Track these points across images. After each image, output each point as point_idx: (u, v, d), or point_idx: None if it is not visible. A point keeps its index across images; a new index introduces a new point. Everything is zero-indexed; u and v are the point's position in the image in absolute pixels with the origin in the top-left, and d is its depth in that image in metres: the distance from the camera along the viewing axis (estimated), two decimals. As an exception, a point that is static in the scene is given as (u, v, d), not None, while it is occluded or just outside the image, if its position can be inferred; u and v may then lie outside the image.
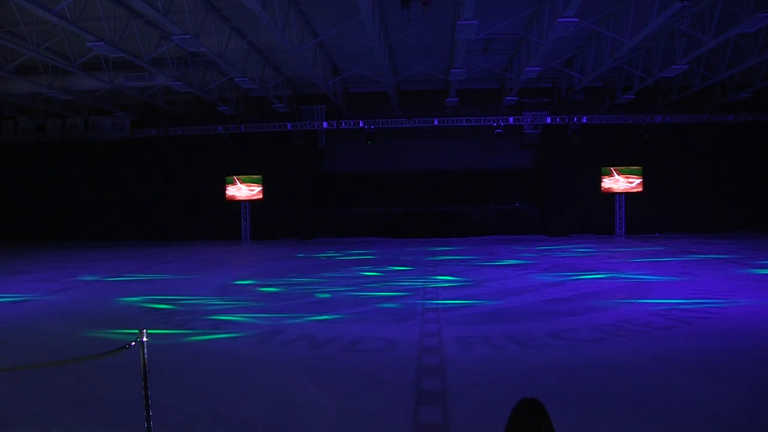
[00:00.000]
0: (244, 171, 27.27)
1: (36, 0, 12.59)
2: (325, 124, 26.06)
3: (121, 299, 13.39)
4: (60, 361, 6.44)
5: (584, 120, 24.90)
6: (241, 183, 27.36)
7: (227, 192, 27.49)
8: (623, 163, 25.85)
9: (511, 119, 25.12)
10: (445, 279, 15.43)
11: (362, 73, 21.75)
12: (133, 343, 5.38)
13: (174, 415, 6.25)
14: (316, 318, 11.20)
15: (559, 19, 13.18)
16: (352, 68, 21.65)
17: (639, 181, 25.77)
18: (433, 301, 12.50)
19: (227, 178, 27.39)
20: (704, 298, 12.09)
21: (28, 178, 29.05)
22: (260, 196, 27.20)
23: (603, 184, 25.96)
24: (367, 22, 14.06)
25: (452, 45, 17.46)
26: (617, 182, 25.96)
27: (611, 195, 26.13)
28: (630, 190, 25.89)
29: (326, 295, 13.49)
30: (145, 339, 5.33)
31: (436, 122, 25.10)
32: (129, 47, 16.75)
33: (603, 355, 8.44)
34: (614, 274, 15.66)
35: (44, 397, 6.96)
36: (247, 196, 27.41)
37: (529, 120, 25.49)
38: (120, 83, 20.84)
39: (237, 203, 27.56)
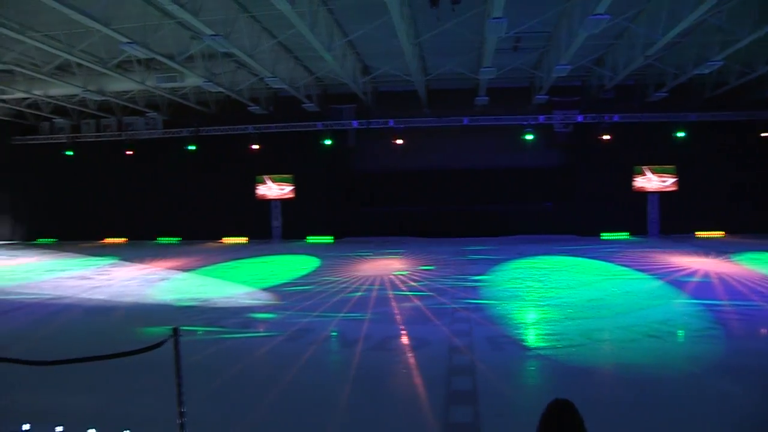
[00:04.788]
0: (275, 170, 27.39)
1: (70, 3, 12.76)
2: (355, 124, 26.06)
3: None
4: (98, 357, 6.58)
5: (615, 118, 24.55)
6: (271, 182, 27.51)
7: (258, 191, 27.65)
8: (656, 161, 25.44)
9: (541, 118, 24.88)
10: (476, 279, 15.35)
11: (391, 73, 21.69)
12: (168, 340, 5.45)
13: (205, 409, 6.31)
14: (346, 316, 11.22)
15: (590, 17, 13.01)
16: (382, 67, 21.60)
17: (673, 180, 25.37)
18: (464, 301, 12.45)
19: (257, 177, 27.54)
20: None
21: (62, 178, 29.61)
22: (291, 195, 27.31)
23: (635, 183, 25.60)
24: (396, 21, 14.01)
25: (482, 43, 17.34)
26: (650, 181, 25.57)
27: (644, 194, 25.76)
28: (663, 189, 25.51)
29: (357, 294, 13.50)
30: (177, 336, 5.40)
31: (465, 121, 24.95)
32: (161, 48, 16.92)
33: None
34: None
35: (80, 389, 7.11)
36: (278, 195, 27.54)
37: (559, 119, 25.22)
38: (152, 84, 21.13)
39: (267, 202, 27.71)
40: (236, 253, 23.03)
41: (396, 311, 11.66)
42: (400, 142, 25.50)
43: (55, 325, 11.38)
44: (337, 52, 18.01)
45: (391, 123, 25.43)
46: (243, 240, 27.66)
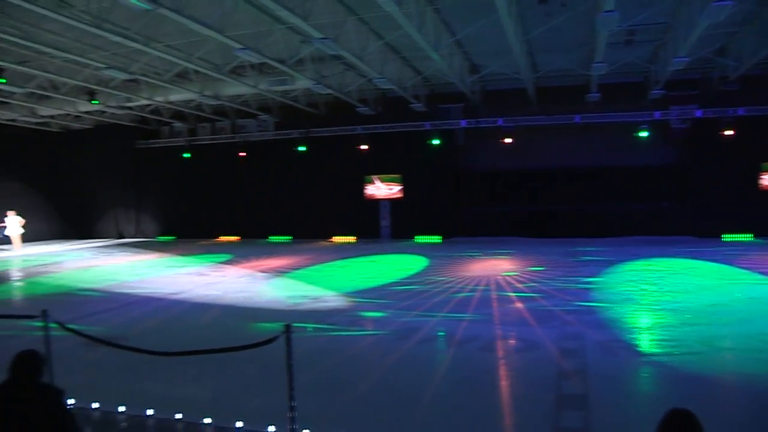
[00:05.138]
0: (383, 170, 27.63)
1: (189, 14, 13.36)
2: (463, 123, 25.89)
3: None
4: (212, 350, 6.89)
5: (740, 112, 23.09)
6: (380, 182, 27.78)
7: (366, 191, 27.99)
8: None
9: (656, 114, 23.81)
10: (588, 281, 14.91)
11: (499, 71, 21.43)
12: (280, 336, 5.60)
13: (314, 404, 6.43)
14: (455, 316, 11.17)
15: (712, 3, 12.27)
16: (490, 66, 21.38)
17: (804, 177, 23.66)
18: (575, 303, 12.13)
19: (366, 177, 27.87)
20: None
21: (180, 179, 31.13)
22: (399, 195, 27.48)
23: (762, 182, 24.05)
24: (504, 19, 13.81)
25: (593, 38, 16.82)
26: (780, 179, 23.96)
27: (772, 193, 24.11)
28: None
29: (466, 294, 13.42)
30: (289, 332, 5.53)
31: (577, 119, 24.26)
32: (272, 52, 17.44)
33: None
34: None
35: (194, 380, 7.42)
36: (386, 195, 27.77)
37: (676, 114, 24.05)
38: (264, 87, 21.85)
39: (376, 202, 27.99)
40: (345, 252, 23.40)
41: (505, 312, 11.49)
42: (508, 141, 25.11)
43: (171, 318, 11.95)
44: (445, 51, 17.97)
45: (500, 122, 25.10)
46: (352, 239, 28.07)
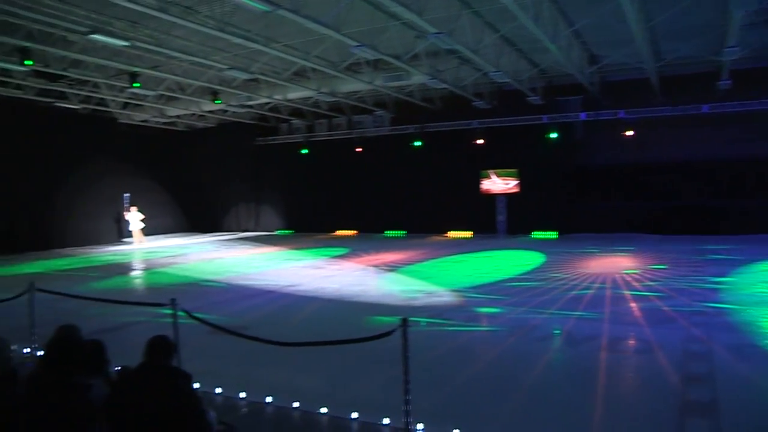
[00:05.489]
0: (499, 165, 27.23)
1: (306, 13, 13.70)
2: (583, 116, 25.15)
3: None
4: (330, 342, 7.05)
5: None
6: (496, 177, 27.44)
7: (482, 186, 27.72)
8: None
9: (798, 100, 22.15)
10: (716, 281, 14.11)
11: (620, 61, 20.65)
12: (397, 330, 5.63)
13: (428, 399, 6.42)
14: (573, 314, 10.88)
15: None
16: (610, 55, 20.63)
17: None
18: (702, 304, 11.51)
19: (482, 172, 27.59)
20: None
21: (298, 174, 32.03)
22: (516, 190, 27.03)
23: None
24: (625, 6, 13.29)
25: (725, 21, 15.87)
26: None
27: None
28: None
29: (585, 292, 13.03)
30: (406, 326, 5.56)
31: (705, 109, 22.95)
32: (387, 49, 17.60)
33: None
34: None
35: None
36: (502, 190, 27.39)
37: (821, 100, 22.25)
38: (380, 83, 22.08)
39: (492, 197, 27.67)
40: (460, 247, 23.27)
41: (625, 312, 11.05)
42: (630, 133, 24.17)
43: (289, 309, 12.26)
44: (562, 42, 17.51)
45: (621, 114, 24.20)
46: (467, 234, 27.91)
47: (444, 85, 21.54)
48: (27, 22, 15.54)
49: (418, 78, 20.85)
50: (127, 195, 28.83)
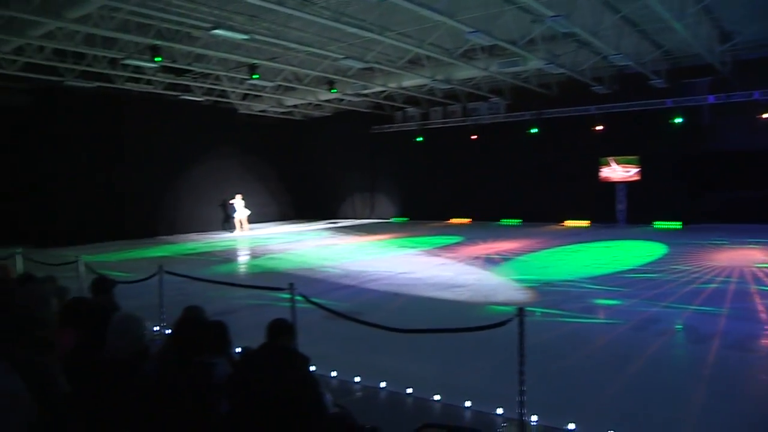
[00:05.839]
0: (619, 151, 26.23)
1: (420, 0, 13.71)
2: (711, 98, 23.74)
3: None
4: (448, 329, 7.07)
5: None
6: (615, 164, 26.49)
7: (601, 173, 26.84)
8: None
9: None
10: None
11: (756, 37, 19.37)
12: (513, 319, 5.57)
13: (543, 390, 6.30)
14: (698, 309, 10.37)
15: None
16: (744, 32, 19.39)
17: None
18: None
19: (601, 159, 26.70)
20: None
21: (413, 162, 32.14)
22: (636, 178, 25.98)
23: None
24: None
25: None
26: None
27: None
28: None
29: (710, 286, 12.38)
30: (522, 316, 5.49)
31: None
32: (502, 34, 17.30)
33: None
34: None
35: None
36: (622, 178, 26.40)
37: None
38: (495, 69, 21.79)
39: (611, 185, 26.73)
40: (577, 236, 22.65)
41: (759, 308, 10.39)
42: (766, 116, 22.61)
43: (403, 296, 12.33)
44: (690, 19, 16.58)
45: (756, 95, 22.64)
46: (585, 223, 27.13)
47: (561, 70, 20.97)
48: (157, 21, 16.69)
49: (534, 63, 20.39)
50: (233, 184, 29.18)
